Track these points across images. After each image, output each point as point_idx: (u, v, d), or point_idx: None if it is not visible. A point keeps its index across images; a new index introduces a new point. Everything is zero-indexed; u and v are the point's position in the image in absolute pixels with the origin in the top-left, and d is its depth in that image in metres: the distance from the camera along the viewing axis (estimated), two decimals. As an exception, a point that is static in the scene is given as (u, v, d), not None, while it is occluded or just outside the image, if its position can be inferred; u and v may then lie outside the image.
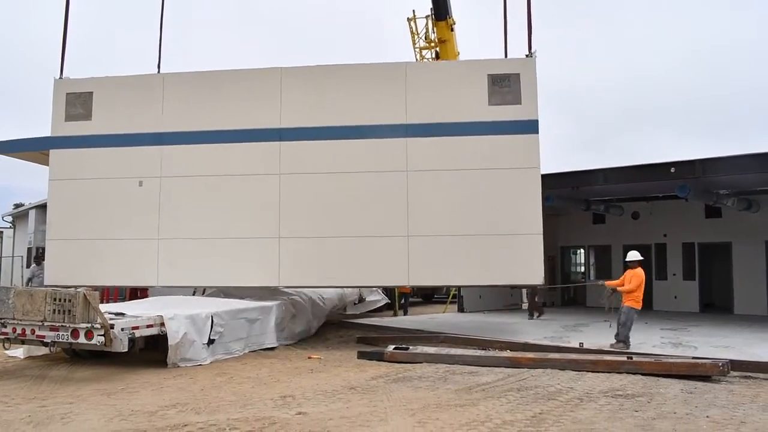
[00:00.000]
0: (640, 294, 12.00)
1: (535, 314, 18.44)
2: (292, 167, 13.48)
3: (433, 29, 23.43)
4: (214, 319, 11.34)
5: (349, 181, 13.34)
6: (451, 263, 12.97)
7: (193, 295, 15.75)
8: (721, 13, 79.66)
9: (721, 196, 17.97)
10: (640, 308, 12.07)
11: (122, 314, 10.51)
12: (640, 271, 12.07)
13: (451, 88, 13.40)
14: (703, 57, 78.34)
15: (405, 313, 20.29)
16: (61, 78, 14.60)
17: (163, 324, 10.41)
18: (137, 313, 10.74)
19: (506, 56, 13.69)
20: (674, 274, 21.00)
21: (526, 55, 13.23)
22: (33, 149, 15.80)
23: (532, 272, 12.81)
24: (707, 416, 7.01)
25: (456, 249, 12.91)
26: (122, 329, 9.73)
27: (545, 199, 14.30)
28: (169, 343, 10.41)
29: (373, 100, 13.53)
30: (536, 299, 18.86)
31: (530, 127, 12.94)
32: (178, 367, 10.41)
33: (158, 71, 14.86)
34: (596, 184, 17.10)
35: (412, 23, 25.22)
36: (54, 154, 14.44)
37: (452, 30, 22.21)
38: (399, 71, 13.64)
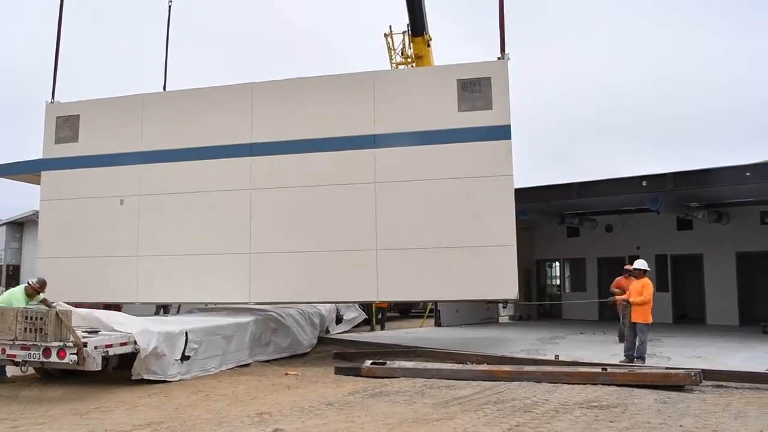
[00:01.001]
0: (650, 307, 11.46)
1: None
2: (262, 182, 13.50)
3: (409, 45, 23.68)
4: (188, 336, 11.24)
5: (319, 194, 13.22)
6: (422, 278, 12.67)
7: (157, 313, 15.68)
8: (684, 39, 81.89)
9: (692, 209, 18.30)
10: (651, 322, 11.53)
11: (96, 332, 10.38)
12: (648, 281, 11.57)
13: (420, 96, 13.15)
14: (667, 78, 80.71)
15: (382, 328, 20.24)
16: (52, 102, 15.26)
17: (137, 342, 10.29)
18: (110, 330, 10.61)
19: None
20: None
21: (498, 58, 12.83)
22: (27, 171, 16.59)
23: (506, 286, 12.35)
24: (680, 425, 7.10)
25: (426, 263, 12.58)
26: (95, 347, 9.59)
27: (521, 212, 14.44)
28: (138, 355, 10.30)
29: (343, 111, 13.41)
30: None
31: (502, 132, 12.50)
32: (144, 380, 10.30)
33: (164, 89, 15.54)
34: (570, 198, 17.33)
35: (389, 39, 25.52)
36: (45, 175, 15.06)
37: (429, 46, 22.44)
38: (367, 81, 13.50)
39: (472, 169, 12.55)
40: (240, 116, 13.82)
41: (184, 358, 11.10)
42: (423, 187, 12.79)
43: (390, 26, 25.72)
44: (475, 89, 12.66)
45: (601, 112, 78.55)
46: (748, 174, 14.58)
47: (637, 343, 11.42)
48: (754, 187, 14.78)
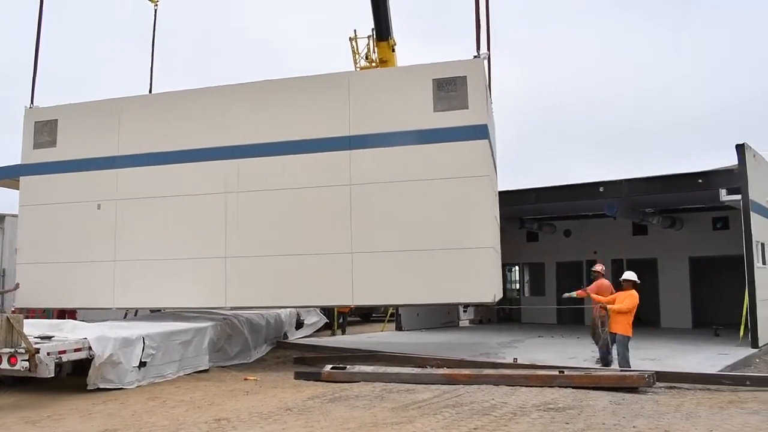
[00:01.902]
0: (631, 318, 11.20)
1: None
2: (237, 186, 13.24)
3: (374, 49, 23.73)
4: (145, 341, 11.06)
5: (295, 197, 12.97)
6: (398, 281, 12.35)
7: (125, 318, 15.42)
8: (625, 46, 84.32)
9: (647, 215, 18.74)
10: (631, 336, 11.24)
11: (49, 337, 10.14)
12: (634, 292, 11.30)
13: (395, 96, 12.86)
14: (614, 86, 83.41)
15: (343, 332, 20.23)
16: (31, 107, 15.09)
17: (91, 347, 10.09)
18: (64, 336, 10.39)
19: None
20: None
21: (474, 56, 12.57)
22: (5, 177, 16.18)
23: (482, 289, 11.99)
24: (634, 426, 7.25)
25: (402, 266, 12.28)
26: (48, 353, 9.38)
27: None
28: (92, 363, 10.09)
29: (318, 113, 13.15)
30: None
31: (478, 132, 12.23)
32: (99, 388, 10.09)
33: (149, 92, 15.25)
34: (529, 203, 17.58)
35: (354, 43, 25.60)
36: (24, 180, 14.90)
37: (393, 50, 22.55)
38: (342, 81, 13.33)
39: (449, 170, 12.24)
40: (216, 119, 13.59)
41: (141, 364, 10.91)
42: (398, 188, 12.52)
43: (354, 30, 25.78)
44: (451, 89, 12.38)
45: (547, 119, 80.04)
46: (700, 181, 15.01)
47: (617, 356, 11.23)
48: (706, 193, 15.17)
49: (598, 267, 13.04)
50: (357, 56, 25.39)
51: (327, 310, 19.59)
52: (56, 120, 14.72)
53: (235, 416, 8.22)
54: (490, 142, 12.72)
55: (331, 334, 19.87)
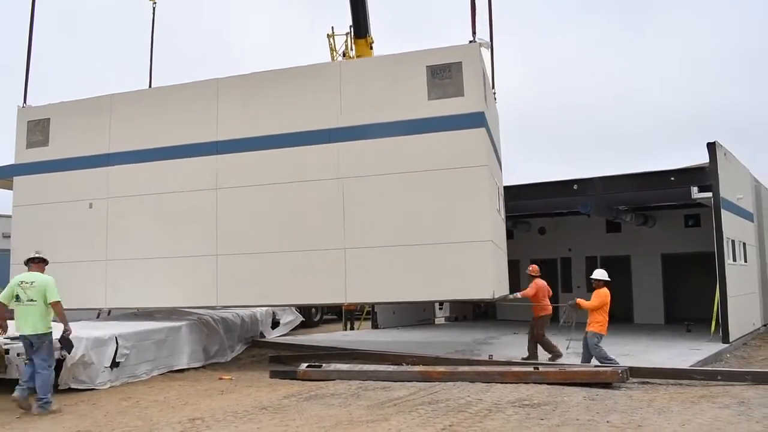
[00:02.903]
0: (604, 317, 10.98)
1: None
2: (227, 181, 13.02)
3: (351, 46, 23.75)
4: (118, 341, 10.93)
5: (285, 192, 12.64)
6: (392, 277, 11.93)
7: (98, 317, 15.23)
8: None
9: (620, 212, 18.92)
10: (605, 334, 11.02)
11: (18, 338, 9.95)
12: (604, 290, 11.06)
13: (388, 85, 12.39)
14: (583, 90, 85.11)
15: (352, 328, 20.76)
16: (23, 106, 15.03)
17: (62, 348, 9.92)
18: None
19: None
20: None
21: (470, 41, 12.11)
22: None
23: (480, 284, 11.53)
24: (608, 421, 7.31)
25: (397, 261, 11.83)
26: (18, 354, 9.24)
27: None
28: (64, 363, 9.94)
29: (308, 105, 12.78)
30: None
31: (475, 120, 11.70)
32: (71, 388, 9.96)
33: (150, 84, 15.43)
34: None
35: (331, 39, 25.69)
36: (17, 180, 14.87)
37: (371, 48, 22.57)
38: (333, 71, 13.04)
39: (445, 161, 11.77)
40: (205, 113, 13.35)
41: (114, 364, 10.79)
42: (392, 181, 12.08)
43: (332, 27, 25.93)
44: (446, 75, 11.90)
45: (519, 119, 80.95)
46: (672, 179, 15.21)
47: (586, 355, 11.05)
48: (678, 191, 15.37)
49: (532, 268, 13.15)
50: (334, 53, 25.51)
51: (302, 309, 19.57)
52: (48, 119, 14.64)
53: (210, 416, 8.15)
54: (488, 131, 12.21)
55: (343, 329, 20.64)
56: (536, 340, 12.55)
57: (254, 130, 13.03)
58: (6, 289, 9.14)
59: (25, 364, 9.01)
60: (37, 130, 14.64)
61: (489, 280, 11.51)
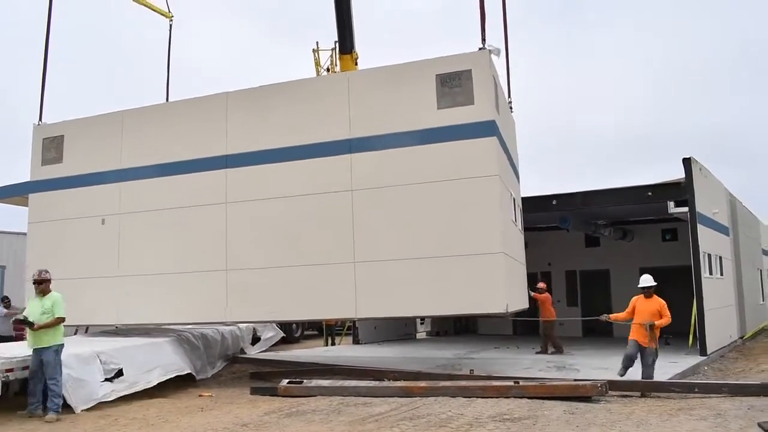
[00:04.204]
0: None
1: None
2: (237, 195, 12.91)
3: (336, 62, 23.92)
4: (101, 358, 10.80)
5: (295, 205, 12.46)
6: (404, 291, 11.61)
7: (75, 334, 15.08)
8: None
9: (599, 227, 19.13)
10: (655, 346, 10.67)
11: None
12: (661, 301, 10.71)
13: (397, 95, 12.19)
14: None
15: (333, 343, 20.80)
16: (39, 124, 15.21)
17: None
18: (13, 353, 10.08)
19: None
20: (558, 301, 21.98)
21: (480, 48, 11.86)
22: (14, 194, 16.42)
23: (493, 298, 11.17)
24: (587, 435, 7.37)
25: (408, 275, 11.54)
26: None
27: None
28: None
29: (316, 117, 12.63)
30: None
31: (486, 129, 11.45)
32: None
33: (167, 99, 15.70)
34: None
35: (316, 54, 25.93)
36: (32, 198, 15.00)
37: (356, 64, 22.71)
38: (341, 82, 12.99)
39: (455, 171, 11.51)
40: (215, 128, 13.30)
41: (105, 380, 10.64)
42: (403, 192, 11.83)
43: (317, 42, 26.19)
44: (455, 84, 11.64)
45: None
46: (649, 194, 15.42)
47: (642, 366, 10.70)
48: (655, 206, 15.58)
49: (542, 284, 16.19)
50: (319, 67, 25.74)
51: (282, 325, 19.51)
52: (62, 136, 14.72)
53: (190, 433, 8.09)
54: (500, 140, 12.02)
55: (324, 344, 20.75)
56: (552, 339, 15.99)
57: (263, 143, 12.94)
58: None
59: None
60: (51, 147, 14.76)
61: (501, 294, 11.17)
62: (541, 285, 16.62)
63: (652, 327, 10.38)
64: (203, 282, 12.98)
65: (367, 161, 12.14)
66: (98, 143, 14.39)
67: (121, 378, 10.90)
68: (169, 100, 17.46)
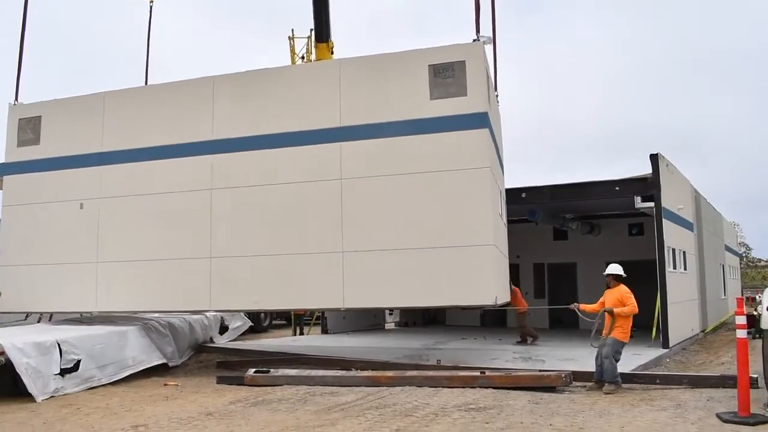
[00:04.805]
0: (629, 323, 10.03)
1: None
2: (223, 181, 12.70)
3: (312, 50, 23.79)
4: (62, 347, 10.62)
5: (282, 193, 12.30)
6: (392, 282, 11.55)
7: (26, 319, 14.91)
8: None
9: (567, 220, 19.34)
10: (627, 341, 10.09)
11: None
12: (625, 288, 10.16)
13: (389, 84, 12.05)
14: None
15: (302, 333, 20.71)
16: (15, 103, 14.80)
17: (3, 352, 9.62)
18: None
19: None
20: (526, 293, 22.18)
21: (473, 40, 11.78)
22: None
23: (482, 290, 11.16)
24: (551, 424, 7.46)
25: (397, 265, 11.48)
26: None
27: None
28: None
29: (307, 104, 12.42)
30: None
31: (478, 121, 11.40)
32: (9, 395, 9.63)
33: (146, 83, 15.25)
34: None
35: (292, 42, 25.80)
36: (7, 180, 14.58)
37: (332, 53, 22.61)
38: (333, 69, 12.70)
39: (446, 162, 11.44)
40: (200, 112, 13.04)
41: (62, 372, 10.45)
42: (392, 182, 11.73)
43: (292, 29, 26.10)
44: (448, 74, 11.56)
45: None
46: (617, 188, 15.61)
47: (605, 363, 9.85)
48: (622, 200, 15.79)
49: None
50: (295, 56, 25.66)
51: (251, 314, 19.44)
52: (40, 117, 14.38)
53: (154, 422, 8.02)
54: (491, 132, 11.96)
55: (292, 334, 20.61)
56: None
57: (251, 129, 12.73)
58: None
59: None
60: (28, 128, 14.41)
61: (491, 286, 11.20)
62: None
63: (610, 313, 10.01)
64: (186, 270, 12.80)
65: (357, 150, 12.01)
66: (78, 125, 14.05)
67: (76, 373, 10.71)
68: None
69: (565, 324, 21.96)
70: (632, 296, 10.04)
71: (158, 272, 12.97)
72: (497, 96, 14.38)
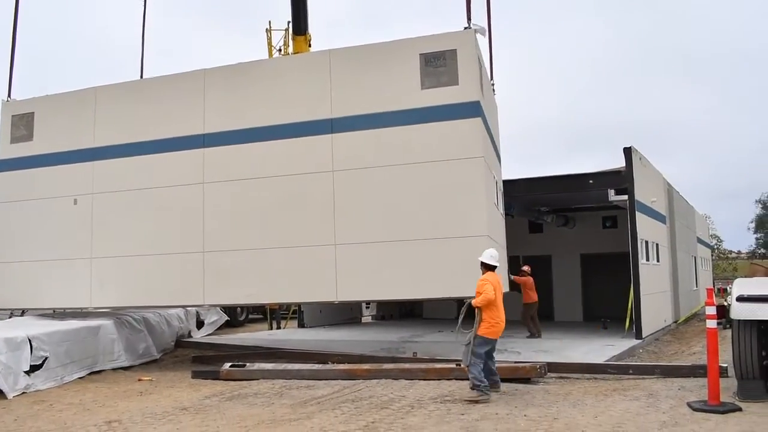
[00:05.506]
0: (494, 316, 8.82)
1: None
2: (215, 175, 12.54)
3: (289, 42, 23.66)
4: (33, 343, 10.48)
5: (274, 186, 12.16)
6: (385, 274, 11.43)
7: (10, 317, 14.63)
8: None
9: (542, 213, 19.48)
10: (493, 338, 8.91)
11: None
12: (491, 276, 8.88)
13: (380, 74, 11.93)
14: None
15: (278, 327, 20.61)
16: (8, 100, 14.67)
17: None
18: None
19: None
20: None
21: (465, 28, 11.61)
22: None
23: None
24: (525, 415, 7.53)
25: (390, 257, 11.37)
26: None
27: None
28: None
29: (297, 96, 12.29)
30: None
31: (470, 110, 11.24)
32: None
33: (141, 77, 14.97)
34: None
35: (269, 34, 25.64)
36: (0, 177, 14.43)
37: (309, 45, 22.49)
38: (323, 60, 12.40)
39: (439, 152, 11.29)
40: (192, 106, 12.88)
41: (32, 369, 10.31)
42: (384, 173, 11.58)
43: (269, 21, 25.96)
44: (440, 63, 11.39)
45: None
46: (591, 182, 15.76)
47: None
48: (596, 193, 15.94)
49: (527, 267, 16.83)
50: (272, 48, 25.53)
51: (227, 309, 19.33)
52: (32, 113, 14.27)
53: (127, 418, 7.96)
54: (484, 122, 11.76)
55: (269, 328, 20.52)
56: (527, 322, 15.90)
57: (242, 122, 12.61)
58: None
59: None
60: (21, 124, 14.28)
61: None
62: (526, 268, 16.73)
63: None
64: (179, 264, 12.69)
65: (349, 141, 11.89)
66: (70, 120, 13.91)
67: (45, 369, 10.59)
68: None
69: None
70: (488, 284, 8.69)
71: (152, 267, 12.86)
72: (493, 85, 14.33)
